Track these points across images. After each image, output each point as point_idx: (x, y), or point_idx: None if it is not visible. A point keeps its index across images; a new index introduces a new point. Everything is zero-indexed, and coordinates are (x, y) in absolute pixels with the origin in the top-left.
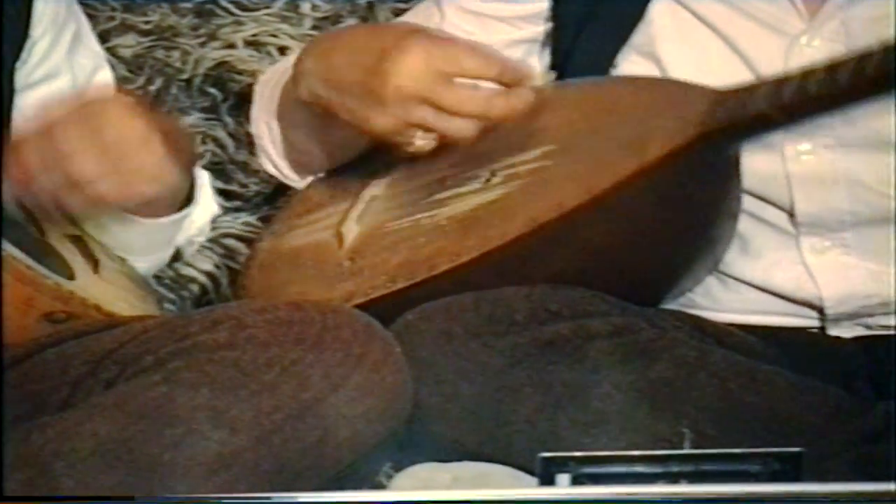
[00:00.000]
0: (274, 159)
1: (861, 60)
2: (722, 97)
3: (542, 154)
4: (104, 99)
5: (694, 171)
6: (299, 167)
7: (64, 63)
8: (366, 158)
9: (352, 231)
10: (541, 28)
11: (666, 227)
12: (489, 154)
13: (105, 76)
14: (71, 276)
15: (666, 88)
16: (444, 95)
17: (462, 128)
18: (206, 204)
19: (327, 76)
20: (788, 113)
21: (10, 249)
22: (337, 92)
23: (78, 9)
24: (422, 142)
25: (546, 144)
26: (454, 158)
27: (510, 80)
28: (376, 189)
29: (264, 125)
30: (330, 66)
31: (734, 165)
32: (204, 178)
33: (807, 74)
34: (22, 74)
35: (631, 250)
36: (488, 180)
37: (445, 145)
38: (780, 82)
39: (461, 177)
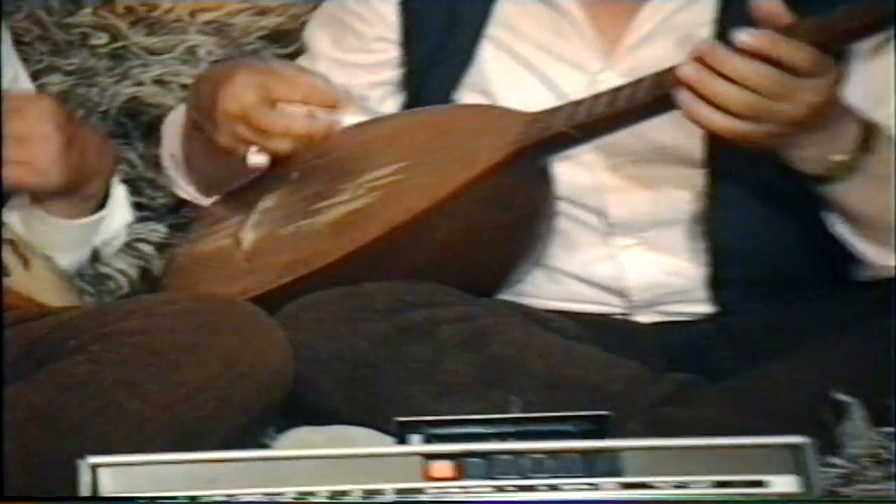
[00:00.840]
0: (182, 185)
1: (634, 87)
2: (532, 119)
3: (398, 169)
4: (28, 98)
5: (514, 179)
6: (203, 188)
7: None
8: (261, 177)
9: (248, 237)
10: (394, 73)
11: (495, 225)
12: (356, 170)
13: None
14: (6, 274)
15: (491, 113)
16: (257, 117)
17: (277, 145)
18: (121, 211)
19: (195, 103)
20: (582, 130)
21: None
22: (198, 114)
23: (14, 54)
24: (255, 158)
25: (401, 161)
26: (329, 175)
27: (318, 103)
28: (269, 201)
29: (170, 158)
30: (196, 94)
31: (547, 174)
32: (119, 190)
33: (596, 98)
34: None
35: (469, 246)
36: (355, 192)
37: (327, 164)
38: (576, 105)
39: (334, 189)
